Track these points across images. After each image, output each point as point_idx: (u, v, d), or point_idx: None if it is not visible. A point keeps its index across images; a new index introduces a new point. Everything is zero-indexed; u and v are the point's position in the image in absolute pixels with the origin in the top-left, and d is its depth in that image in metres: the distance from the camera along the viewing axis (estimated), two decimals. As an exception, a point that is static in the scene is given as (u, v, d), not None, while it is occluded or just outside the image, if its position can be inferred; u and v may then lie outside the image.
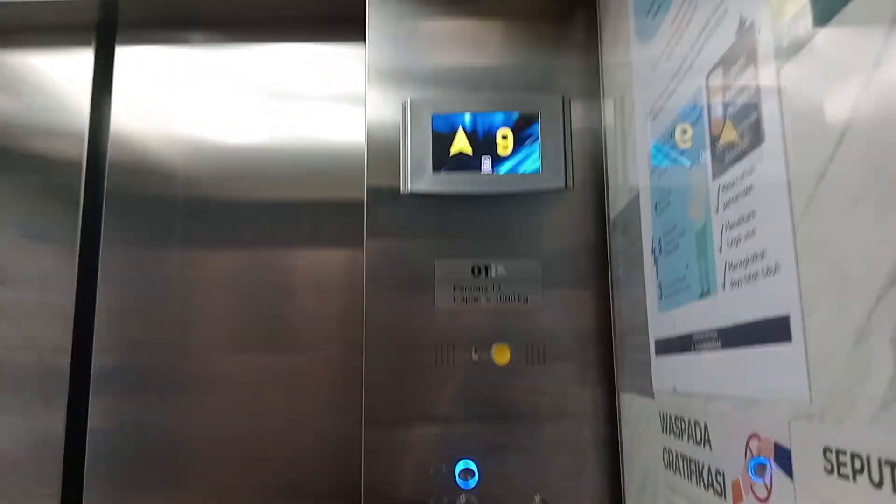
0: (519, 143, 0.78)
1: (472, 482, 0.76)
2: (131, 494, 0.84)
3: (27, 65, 0.95)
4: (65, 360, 0.87)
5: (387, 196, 0.82)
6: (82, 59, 0.94)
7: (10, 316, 0.89)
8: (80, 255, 0.89)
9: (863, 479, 0.32)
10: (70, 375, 0.87)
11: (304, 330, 0.88)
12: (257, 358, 0.87)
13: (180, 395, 0.86)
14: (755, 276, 0.43)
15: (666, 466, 0.60)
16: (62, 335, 0.87)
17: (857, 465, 0.32)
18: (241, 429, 0.85)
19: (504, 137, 0.79)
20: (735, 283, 0.46)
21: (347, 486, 0.82)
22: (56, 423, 0.86)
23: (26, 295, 0.89)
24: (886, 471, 0.30)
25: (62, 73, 0.94)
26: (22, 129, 0.93)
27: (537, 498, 0.76)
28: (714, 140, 0.50)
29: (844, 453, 0.33)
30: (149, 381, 0.86)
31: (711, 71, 0.50)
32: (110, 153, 0.91)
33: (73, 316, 0.88)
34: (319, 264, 0.89)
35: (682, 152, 0.56)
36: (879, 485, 0.30)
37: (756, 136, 0.43)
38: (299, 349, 0.88)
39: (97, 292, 0.88)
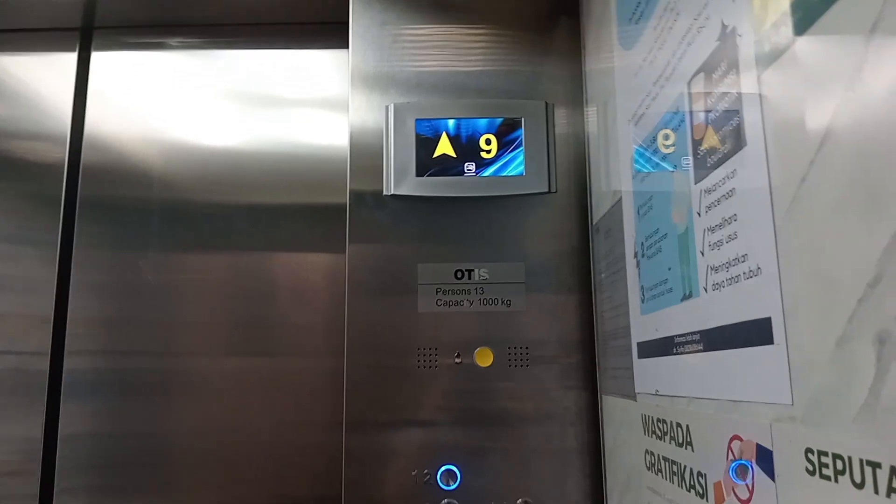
0: (503, 148, 0.79)
1: (454, 485, 0.76)
2: (111, 499, 0.83)
3: (10, 68, 0.94)
4: (44, 365, 0.86)
5: (370, 200, 0.82)
6: (65, 63, 0.93)
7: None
8: (59, 259, 0.88)
9: (844, 479, 0.32)
10: (49, 380, 0.85)
11: (285, 334, 0.88)
12: (237, 363, 0.86)
13: (159, 400, 0.85)
14: (737, 278, 0.43)
15: (648, 468, 0.61)
16: (42, 339, 0.86)
17: (839, 465, 0.32)
18: (222, 433, 0.85)
19: (488, 142, 0.79)
20: (717, 286, 0.46)
21: (328, 490, 0.81)
22: (35, 427, 0.84)
23: (7, 298, 0.88)
24: (868, 471, 0.30)
25: (45, 76, 0.93)
26: (4, 132, 0.92)
27: (519, 501, 0.76)
28: (696, 144, 0.50)
29: (826, 454, 0.34)
30: (126, 386, 0.85)
31: (693, 76, 0.51)
32: (84, 156, 0.90)
33: (52, 320, 0.87)
34: (301, 268, 0.89)
35: (664, 157, 0.56)
36: (861, 485, 0.31)
37: (737, 140, 0.43)
38: (280, 354, 0.87)
39: (69, 296, 0.87)
